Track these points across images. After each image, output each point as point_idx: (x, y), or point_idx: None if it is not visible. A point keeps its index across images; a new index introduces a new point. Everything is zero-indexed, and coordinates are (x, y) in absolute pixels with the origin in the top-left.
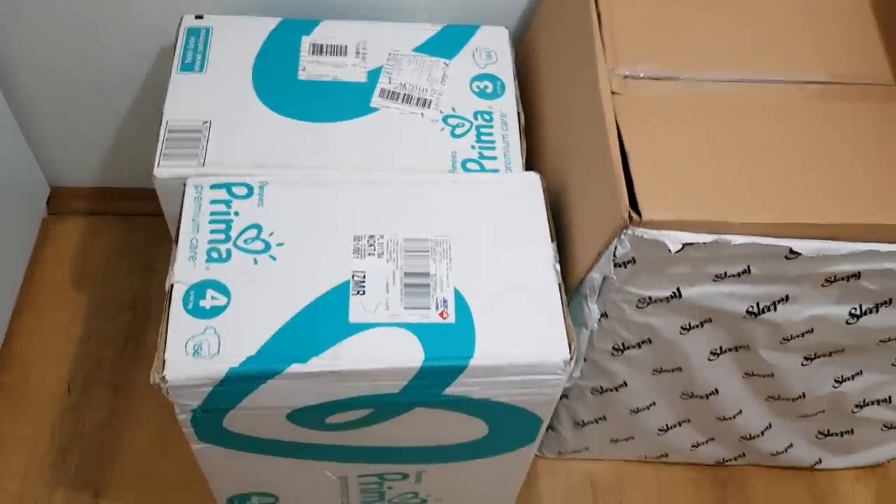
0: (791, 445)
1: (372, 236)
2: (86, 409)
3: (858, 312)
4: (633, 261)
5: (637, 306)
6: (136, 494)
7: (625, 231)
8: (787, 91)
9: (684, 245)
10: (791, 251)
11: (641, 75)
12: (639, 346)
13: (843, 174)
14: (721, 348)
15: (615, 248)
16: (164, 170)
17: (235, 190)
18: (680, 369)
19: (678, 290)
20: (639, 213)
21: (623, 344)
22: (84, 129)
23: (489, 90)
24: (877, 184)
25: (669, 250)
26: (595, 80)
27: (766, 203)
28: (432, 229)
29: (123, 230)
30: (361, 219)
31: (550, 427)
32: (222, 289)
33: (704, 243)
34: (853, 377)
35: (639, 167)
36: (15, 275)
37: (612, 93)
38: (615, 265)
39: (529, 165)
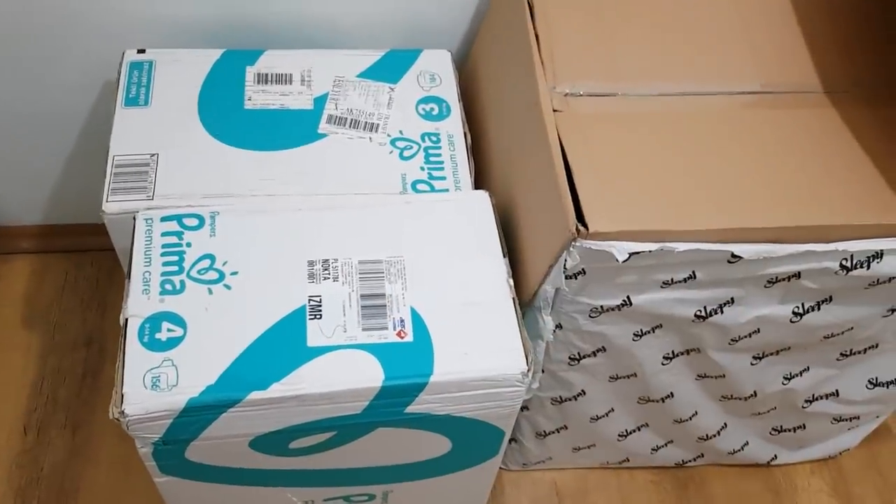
0: (747, 443)
1: (326, 260)
2: (43, 450)
3: (801, 311)
4: (584, 272)
5: (590, 316)
6: None
7: (573, 244)
8: (722, 102)
9: (631, 254)
10: (733, 255)
11: (581, 93)
12: (594, 354)
13: (780, 179)
14: (673, 352)
15: (565, 260)
16: (112, 205)
17: (186, 221)
18: (635, 375)
19: (628, 298)
20: (585, 226)
21: (579, 353)
22: (28, 166)
23: (435, 112)
24: (812, 187)
25: (617, 260)
26: (536, 99)
27: (707, 210)
28: (386, 250)
29: (74, 266)
30: (314, 243)
31: (513, 439)
32: (178, 320)
33: (650, 251)
34: (801, 373)
35: (583, 181)
36: None
37: (554, 110)
38: (566, 277)
39: (478, 184)
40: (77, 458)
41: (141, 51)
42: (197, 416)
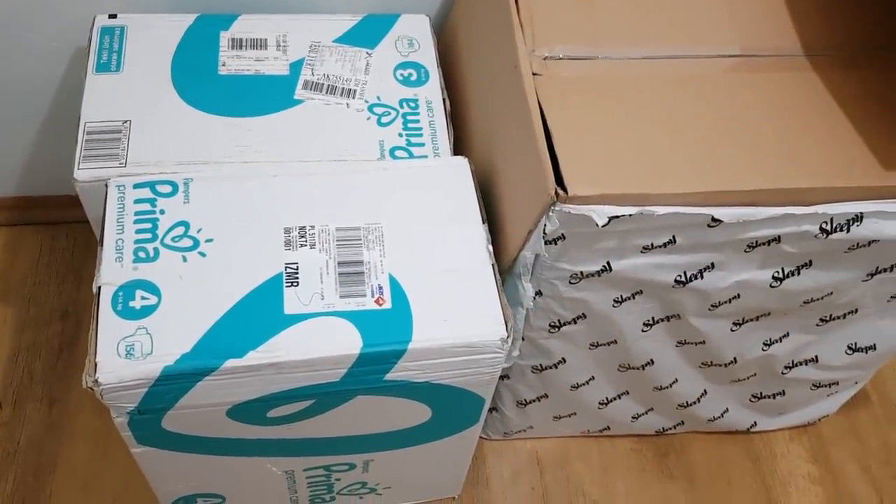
0: (727, 410)
1: (303, 227)
2: (20, 424)
3: (781, 276)
4: (563, 237)
5: (570, 282)
6: None
7: (553, 208)
8: (703, 65)
9: (611, 218)
10: (713, 219)
11: (561, 56)
12: (574, 321)
13: (760, 142)
14: (653, 319)
15: (544, 225)
16: (84, 172)
17: (160, 188)
18: (615, 342)
19: (608, 263)
20: (565, 190)
21: (559, 321)
22: None
23: (413, 78)
24: (791, 150)
25: (597, 224)
26: (515, 62)
27: (687, 173)
28: (364, 217)
29: (48, 239)
30: (291, 210)
31: (494, 409)
32: (152, 288)
33: (630, 215)
34: (781, 339)
35: (563, 145)
36: None
37: (533, 74)
38: (546, 242)
39: (457, 150)
40: (54, 431)
41: (112, 16)
42: (172, 384)
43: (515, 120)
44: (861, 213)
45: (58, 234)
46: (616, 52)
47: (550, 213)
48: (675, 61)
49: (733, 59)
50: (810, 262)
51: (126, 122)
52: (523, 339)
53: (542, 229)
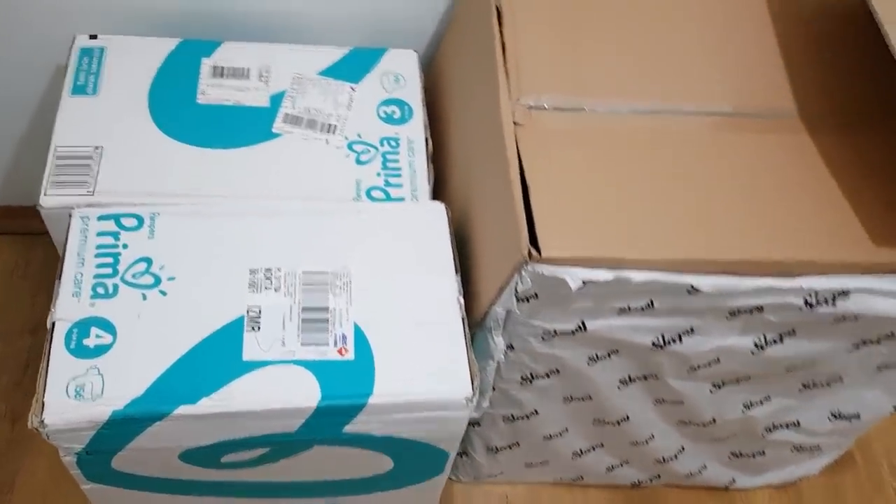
0: (705, 467)
1: (269, 269)
2: None
3: (763, 343)
4: (536, 296)
5: (542, 339)
6: None
7: (525, 267)
8: (691, 122)
9: (585, 282)
10: (692, 287)
11: (546, 106)
12: (547, 376)
13: (745, 208)
14: (630, 377)
15: (517, 283)
16: (50, 198)
17: (125, 221)
18: (590, 398)
19: (583, 323)
20: (539, 250)
21: (531, 374)
22: None
23: (396, 115)
24: (777, 218)
25: (570, 287)
26: (497, 110)
27: (666, 239)
28: (333, 261)
29: (24, 249)
30: (258, 251)
31: (465, 453)
32: (108, 326)
33: (605, 281)
34: (761, 402)
35: (540, 202)
36: None
37: (515, 124)
38: (518, 300)
39: (437, 193)
40: (15, 449)
41: (93, 36)
42: (121, 428)
43: (494, 170)
44: (848, 288)
45: (34, 244)
46: (603, 103)
47: (523, 273)
48: (663, 117)
49: (723, 117)
50: (794, 331)
51: (98, 147)
52: (494, 389)
53: (514, 287)
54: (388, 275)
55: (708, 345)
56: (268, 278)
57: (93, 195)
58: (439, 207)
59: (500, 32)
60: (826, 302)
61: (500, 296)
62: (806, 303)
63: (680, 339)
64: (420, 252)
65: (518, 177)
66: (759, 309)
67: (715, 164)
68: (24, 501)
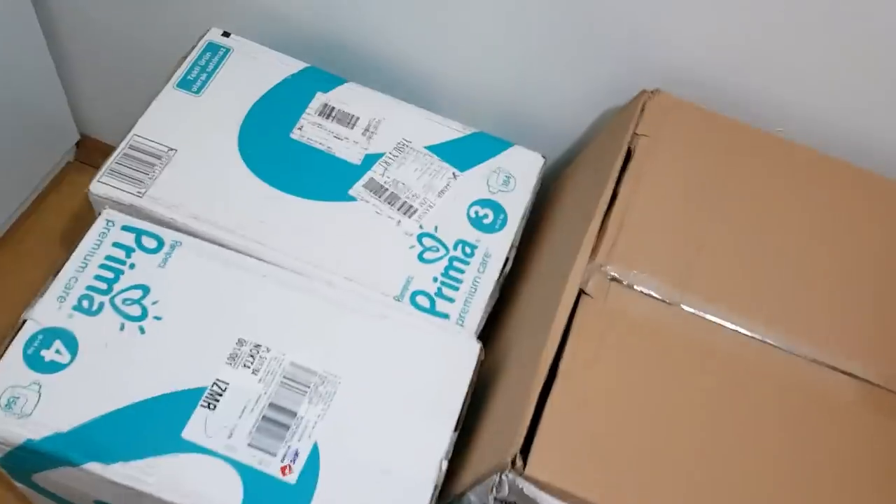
0: None
1: (258, 346)
2: None
3: None
4: (514, 503)
5: None
6: None
7: (505, 473)
8: (803, 372)
9: None
10: None
11: (634, 285)
12: None
13: None
14: None
15: (494, 484)
16: (100, 186)
17: (144, 240)
18: None
19: None
20: (525, 462)
21: None
22: (124, 90)
23: (487, 220)
24: None
25: None
26: (569, 269)
27: None
28: (328, 362)
29: None
30: (257, 321)
31: None
32: (72, 345)
33: None
34: None
35: (554, 408)
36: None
37: (582, 292)
38: (494, 499)
39: (491, 320)
40: None
41: (226, 34)
42: (33, 457)
43: (533, 340)
44: None
45: None
46: (700, 306)
47: (502, 477)
48: (763, 347)
49: (851, 380)
50: None
51: (172, 150)
52: None
53: (491, 486)
54: (380, 399)
55: None
56: (251, 355)
57: (141, 197)
58: (473, 347)
59: (619, 179)
60: None
61: (476, 485)
62: None
63: None
64: (428, 389)
65: (547, 366)
66: None
67: (805, 442)
68: None
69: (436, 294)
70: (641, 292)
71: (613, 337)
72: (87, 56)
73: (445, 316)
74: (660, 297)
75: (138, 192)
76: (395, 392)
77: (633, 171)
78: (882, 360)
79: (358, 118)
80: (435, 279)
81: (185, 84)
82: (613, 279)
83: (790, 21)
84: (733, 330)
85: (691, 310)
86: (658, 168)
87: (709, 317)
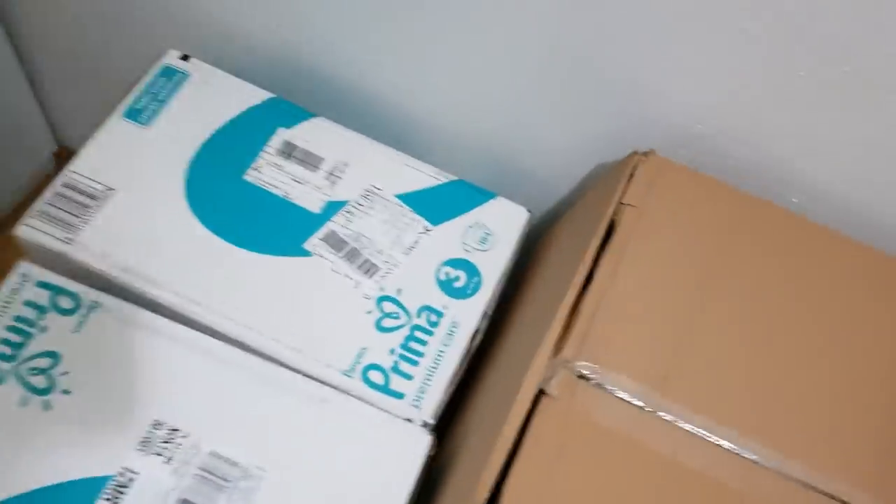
0: None
1: (175, 430)
2: None
3: None
4: None
5: None
6: None
7: None
8: (790, 494)
9: None
10: None
11: (604, 384)
12: None
13: None
14: None
15: None
16: (27, 230)
17: (60, 300)
18: None
19: None
20: None
21: None
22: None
23: (458, 283)
24: None
25: None
26: (528, 364)
27: None
28: (253, 453)
29: None
30: (177, 400)
31: None
32: None
33: None
34: None
35: None
36: None
37: (542, 392)
38: None
39: (455, 400)
40: None
41: (184, 57)
42: None
43: (485, 441)
44: None
45: None
46: (679, 413)
47: None
48: (754, 467)
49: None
50: None
51: (111, 190)
52: None
53: None
54: (309, 498)
55: None
56: (166, 442)
57: (70, 244)
58: (423, 441)
59: (596, 258)
60: None
61: None
62: None
63: None
64: (367, 488)
65: (493, 478)
66: None
67: None
68: None
69: (392, 369)
70: (613, 394)
71: (575, 446)
72: (59, 73)
73: (400, 396)
74: (634, 402)
75: (67, 238)
76: (328, 490)
77: (615, 248)
78: (889, 490)
79: (323, 159)
80: (392, 351)
81: (132, 114)
82: (581, 377)
83: (810, 83)
84: (717, 444)
85: (670, 418)
86: (643, 246)
87: (690, 427)
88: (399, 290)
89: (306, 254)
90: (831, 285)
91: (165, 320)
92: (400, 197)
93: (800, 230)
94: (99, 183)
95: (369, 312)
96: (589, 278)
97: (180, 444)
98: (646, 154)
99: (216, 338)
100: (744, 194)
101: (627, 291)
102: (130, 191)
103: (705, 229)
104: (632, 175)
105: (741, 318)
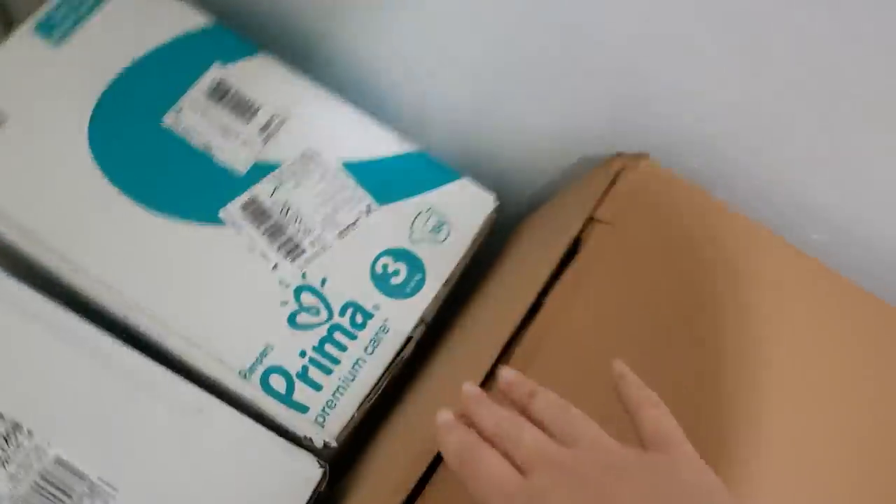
0: None
1: (18, 426)
2: None
3: None
4: None
5: None
6: None
7: None
8: None
9: None
10: None
11: None
12: None
13: None
14: None
15: None
16: None
17: None
18: None
19: None
20: None
21: None
22: None
23: (397, 280)
24: None
25: None
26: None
27: None
28: (106, 465)
29: None
30: (32, 395)
31: None
32: None
33: None
34: None
35: None
36: None
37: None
38: None
39: (366, 424)
40: None
41: None
42: None
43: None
44: None
45: None
46: None
47: None
48: None
49: None
50: None
51: (2, 115)
52: None
53: None
54: None
55: None
56: (6, 438)
57: None
58: (313, 472)
59: (556, 273)
60: None
61: None
62: None
63: None
64: None
65: None
66: None
67: None
68: None
69: (298, 376)
70: None
71: None
72: None
73: (304, 409)
74: None
75: None
76: None
77: (572, 275)
78: None
79: (259, 108)
80: (303, 353)
81: (44, 28)
82: None
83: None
84: None
85: None
86: (608, 276)
87: None
88: (323, 281)
89: (220, 222)
90: (837, 341)
91: (29, 291)
92: (347, 166)
93: (796, 264)
94: None
95: (284, 303)
96: (536, 309)
97: (22, 445)
98: (636, 157)
99: (97, 316)
100: (743, 217)
101: (577, 334)
102: (24, 120)
103: (689, 257)
104: (614, 182)
105: (724, 374)
